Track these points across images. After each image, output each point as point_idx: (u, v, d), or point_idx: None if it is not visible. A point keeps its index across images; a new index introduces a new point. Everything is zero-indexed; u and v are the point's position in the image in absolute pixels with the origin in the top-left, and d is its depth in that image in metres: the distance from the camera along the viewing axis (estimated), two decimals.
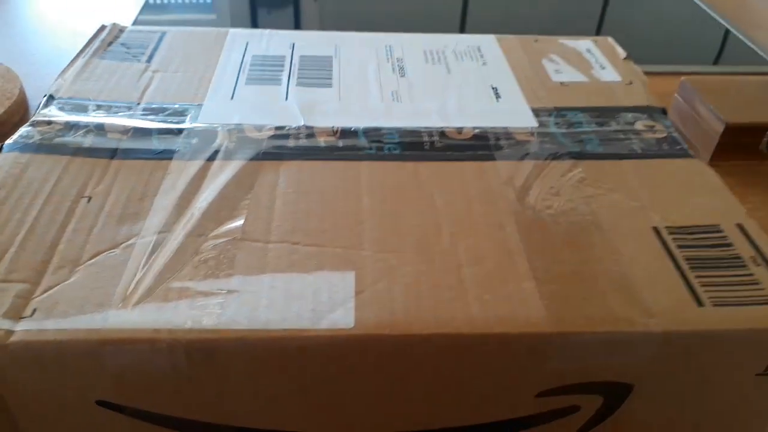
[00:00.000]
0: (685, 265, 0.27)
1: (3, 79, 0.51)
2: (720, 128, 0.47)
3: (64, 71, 0.38)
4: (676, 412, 0.27)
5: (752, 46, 0.70)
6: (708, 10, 0.78)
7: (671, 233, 0.28)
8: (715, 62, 0.67)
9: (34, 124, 0.33)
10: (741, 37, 0.71)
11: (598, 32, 0.73)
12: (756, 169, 0.49)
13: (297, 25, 0.69)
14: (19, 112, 0.50)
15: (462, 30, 0.70)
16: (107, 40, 0.42)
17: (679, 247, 0.28)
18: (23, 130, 0.32)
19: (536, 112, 0.36)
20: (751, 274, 0.26)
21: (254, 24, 0.69)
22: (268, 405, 0.26)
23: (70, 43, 0.63)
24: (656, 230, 0.28)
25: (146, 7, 0.71)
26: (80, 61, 0.39)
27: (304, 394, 0.25)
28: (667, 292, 0.25)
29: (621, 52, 0.43)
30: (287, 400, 0.25)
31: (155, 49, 0.41)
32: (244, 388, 0.25)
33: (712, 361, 0.25)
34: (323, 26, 0.69)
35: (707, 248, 0.28)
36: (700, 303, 0.25)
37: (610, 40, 0.45)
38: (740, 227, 0.29)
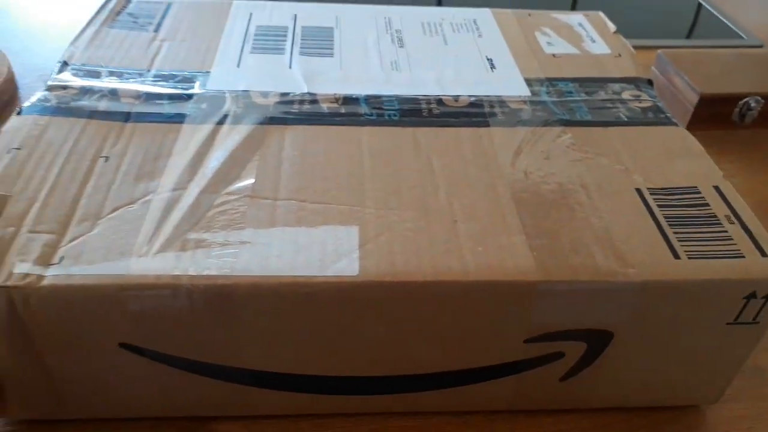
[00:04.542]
0: (664, 223, 0.29)
1: None
2: (695, 99, 0.49)
3: (75, 39, 0.39)
4: (653, 358, 0.29)
5: (723, 19, 0.71)
6: None
7: (652, 194, 0.30)
8: (688, 36, 0.69)
9: (50, 89, 0.34)
10: (712, 10, 0.73)
11: (573, 6, 0.74)
12: (729, 137, 0.51)
13: None
14: (8, 91, 0.51)
15: (439, 4, 0.71)
16: (115, 10, 0.43)
17: (660, 206, 0.30)
18: (40, 94, 0.34)
19: (529, 82, 0.38)
20: (725, 231, 0.29)
21: None
22: (278, 349, 0.28)
23: (55, 20, 0.63)
24: (639, 191, 0.30)
25: None
26: (90, 30, 0.40)
27: (311, 338, 0.27)
28: (647, 246, 0.28)
29: (611, 26, 0.45)
30: (295, 344, 0.28)
31: (162, 18, 0.42)
32: (256, 332, 0.27)
33: (686, 310, 0.28)
34: None
35: (685, 207, 0.30)
36: (676, 256, 0.27)
37: (601, 14, 0.47)
38: (717, 189, 0.31)
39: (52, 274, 0.25)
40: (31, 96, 0.34)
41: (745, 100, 0.50)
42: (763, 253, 0.27)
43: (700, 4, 0.75)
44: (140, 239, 0.26)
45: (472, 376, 0.30)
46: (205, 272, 0.25)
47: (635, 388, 0.31)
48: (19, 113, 0.32)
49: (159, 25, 0.42)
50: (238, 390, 0.29)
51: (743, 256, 0.27)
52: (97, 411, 0.30)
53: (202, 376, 0.28)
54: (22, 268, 0.25)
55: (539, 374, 0.30)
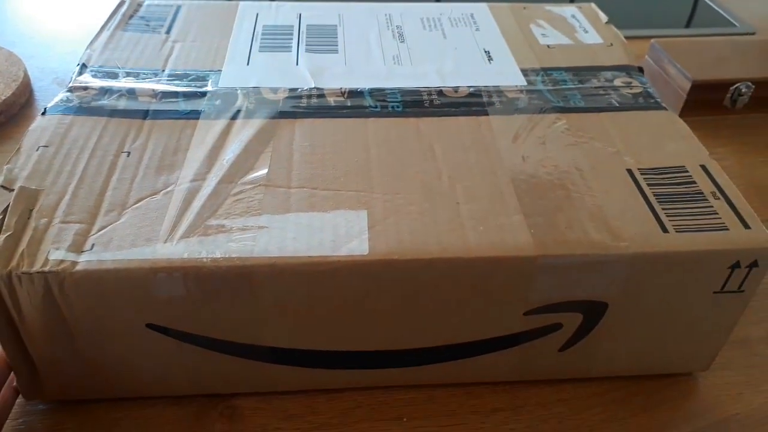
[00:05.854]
0: (653, 200, 0.31)
1: (8, 62, 0.54)
2: (687, 85, 0.51)
3: (91, 43, 0.41)
4: (646, 327, 0.31)
5: (719, 10, 0.73)
6: None
7: (643, 174, 0.32)
8: (687, 26, 0.71)
9: (72, 90, 0.36)
10: (709, 2, 0.75)
11: None
12: (721, 122, 0.53)
13: None
14: (25, 94, 0.53)
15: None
16: (127, 14, 0.45)
17: (649, 185, 0.32)
18: (63, 95, 0.36)
19: (525, 72, 0.40)
20: (710, 206, 0.30)
21: None
22: (294, 326, 0.30)
23: (67, 25, 0.66)
24: (630, 171, 0.32)
25: None
26: (105, 34, 0.42)
27: (325, 315, 0.29)
28: (637, 222, 0.29)
29: (603, 17, 0.47)
30: (310, 321, 0.30)
31: (172, 21, 0.44)
32: (274, 310, 0.29)
33: (675, 281, 0.29)
34: None
35: (673, 185, 0.32)
36: (665, 230, 0.29)
37: (593, 6, 0.49)
38: (703, 168, 0.33)
39: (85, 260, 0.27)
40: (49, 97, 0.35)
41: (736, 85, 0.52)
42: (746, 226, 0.29)
43: None
44: (164, 226, 0.28)
45: (476, 348, 0.31)
46: (227, 255, 0.27)
47: (630, 356, 0.33)
48: (44, 113, 0.34)
49: (170, 27, 0.44)
50: (257, 367, 0.31)
51: (727, 229, 0.29)
52: (123, 390, 0.32)
53: (222, 354, 0.30)
54: (56, 255, 0.27)
55: (539, 345, 0.32)
